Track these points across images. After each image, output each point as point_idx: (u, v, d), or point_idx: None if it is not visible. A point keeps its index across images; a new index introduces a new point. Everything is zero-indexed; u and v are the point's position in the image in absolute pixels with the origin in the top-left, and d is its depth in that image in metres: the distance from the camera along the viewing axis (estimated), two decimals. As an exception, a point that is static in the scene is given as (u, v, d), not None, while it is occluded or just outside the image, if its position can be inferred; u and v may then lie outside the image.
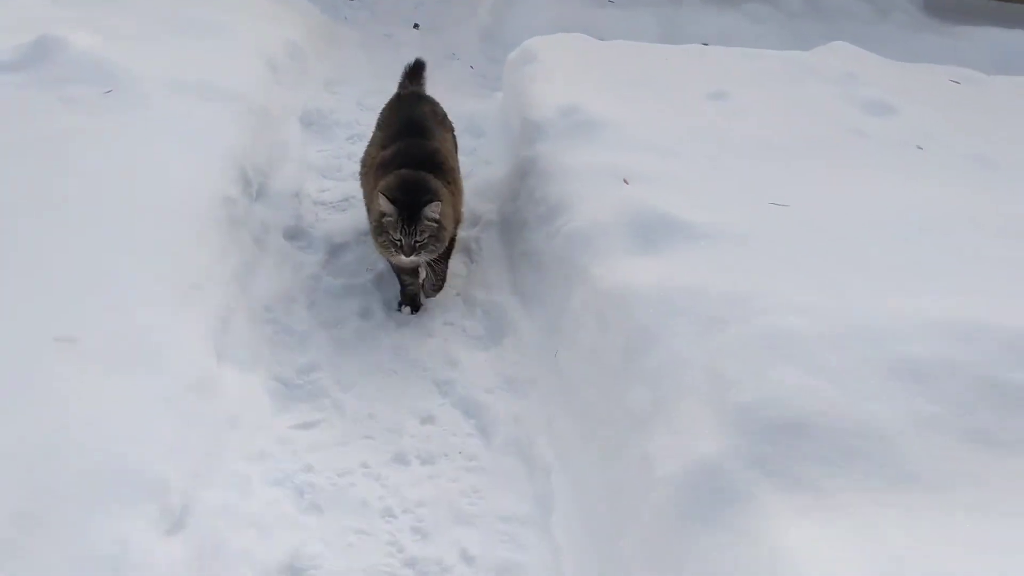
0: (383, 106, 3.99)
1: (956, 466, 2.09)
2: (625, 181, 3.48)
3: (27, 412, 2.08)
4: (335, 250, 3.90)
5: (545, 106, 4.26)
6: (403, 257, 3.17)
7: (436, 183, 3.27)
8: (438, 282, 3.52)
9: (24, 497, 1.91)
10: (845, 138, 4.12)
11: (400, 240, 3.14)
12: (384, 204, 3.15)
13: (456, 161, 3.74)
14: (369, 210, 3.45)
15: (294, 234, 3.93)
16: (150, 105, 3.75)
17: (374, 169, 3.49)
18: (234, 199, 3.49)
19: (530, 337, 3.29)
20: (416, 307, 3.49)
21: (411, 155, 3.38)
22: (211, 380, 2.65)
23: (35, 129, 3.46)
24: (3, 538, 1.81)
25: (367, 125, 5.19)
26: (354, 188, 4.14)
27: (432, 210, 3.14)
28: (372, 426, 2.92)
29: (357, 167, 4.80)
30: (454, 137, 3.91)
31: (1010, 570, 1.80)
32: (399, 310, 3.48)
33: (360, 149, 4.93)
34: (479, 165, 4.74)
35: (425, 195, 3.17)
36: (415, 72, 4.19)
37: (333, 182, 4.52)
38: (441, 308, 3.54)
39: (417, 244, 3.15)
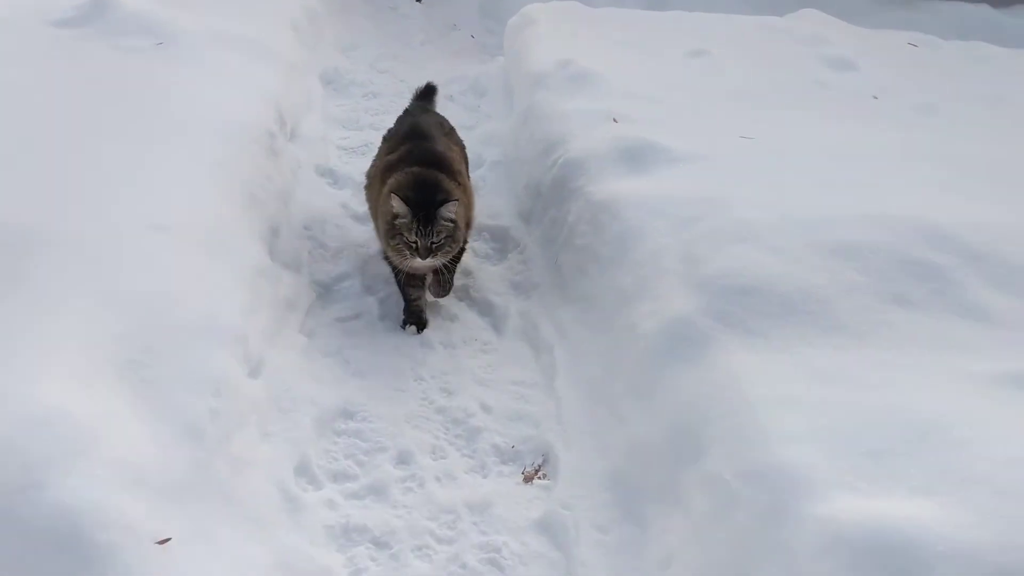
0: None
1: (876, 319, 2.65)
2: (614, 120, 4.02)
3: (142, 276, 2.61)
4: (358, 187, 4.43)
5: (544, 60, 4.79)
6: (419, 260, 3.07)
7: (449, 182, 3.20)
8: (445, 287, 3.42)
9: (147, 336, 2.44)
10: (809, 89, 4.67)
11: (416, 242, 3.03)
12: (397, 204, 3.04)
13: (465, 169, 3.63)
14: (376, 217, 3.33)
15: (323, 172, 4.45)
16: (197, 54, 4.26)
17: (379, 173, 3.39)
18: (274, 134, 4.02)
19: (533, 251, 3.82)
20: (422, 325, 3.35)
21: (418, 156, 3.28)
22: (270, 270, 3.18)
23: (99, 71, 3.97)
24: (136, 361, 2.34)
25: (380, 85, 5.75)
26: (372, 136, 4.64)
27: (448, 209, 3.06)
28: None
29: (373, 119, 5.35)
30: (464, 154, 3.78)
31: (905, 380, 2.36)
32: (403, 328, 3.34)
33: (375, 106, 5.48)
34: (483, 119, 5.27)
35: (440, 193, 3.09)
36: (426, 95, 4.08)
37: (353, 132, 5.04)
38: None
39: (433, 245, 3.05)
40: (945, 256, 2.87)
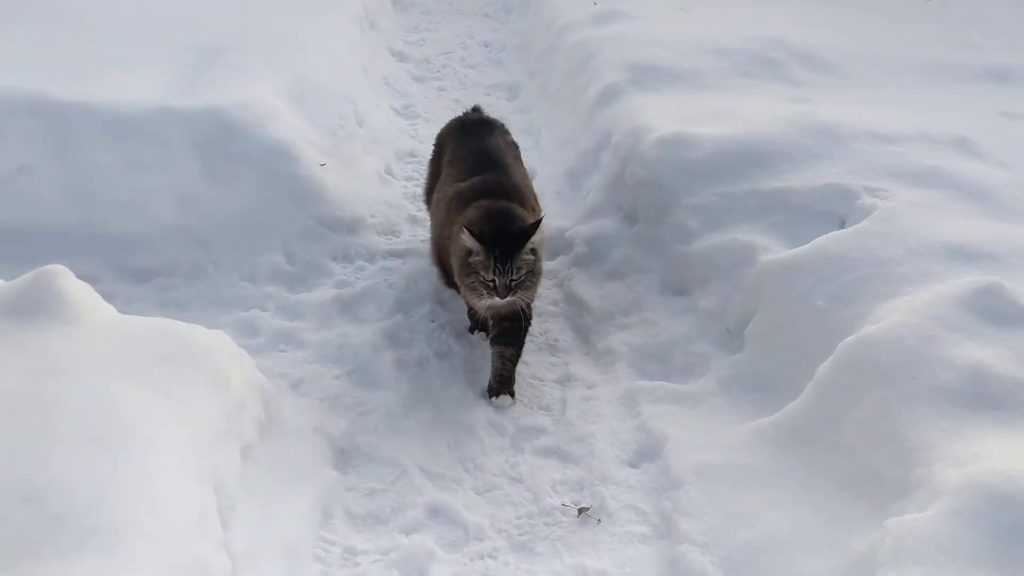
0: (441, 132, 3.68)
1: (729, 82, 4.44)
2: (594, 2, 5.83)
3: (309, 60, 4.54)
4: (416, 59, 6.27)
5: None
6: (497, 300, 2.81)
7: (524, 211, 2.98)
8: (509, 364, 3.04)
9: (304, 86, 4.34)
10: None
11: (493, 280, 2.78)
12: (469, 240, 2.78)
13: (534, 195, 3.36)
14: (452, 253, 3.02)
15: (394, 52, 6.34)
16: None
17: (449, 203, 3.16)
18: (363, 18, 5.93)
19: (530, 90, 5.63)
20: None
21: (492, 187, 3.07)
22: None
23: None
24: (298, 98, 4.24)
25: (433, 6, 7.55)
26: (427, 36, 6.58)
27: (529, 241, 2.80)
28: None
29: (428, 26, 7.23)
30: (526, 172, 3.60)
31: (740, 106, 4.14)
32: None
33: (429, 20, 7.36)
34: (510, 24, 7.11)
35: (516, 223, 2.86)
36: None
37: (413, 33, 6.88)
38: (479, 86, 5.86)
39: (513, 283, 2.79)
40: (781, 54, 4.65)
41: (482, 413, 2.96)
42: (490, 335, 3.05)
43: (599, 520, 2.55)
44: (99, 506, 1.81)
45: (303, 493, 2.54)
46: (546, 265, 3.30)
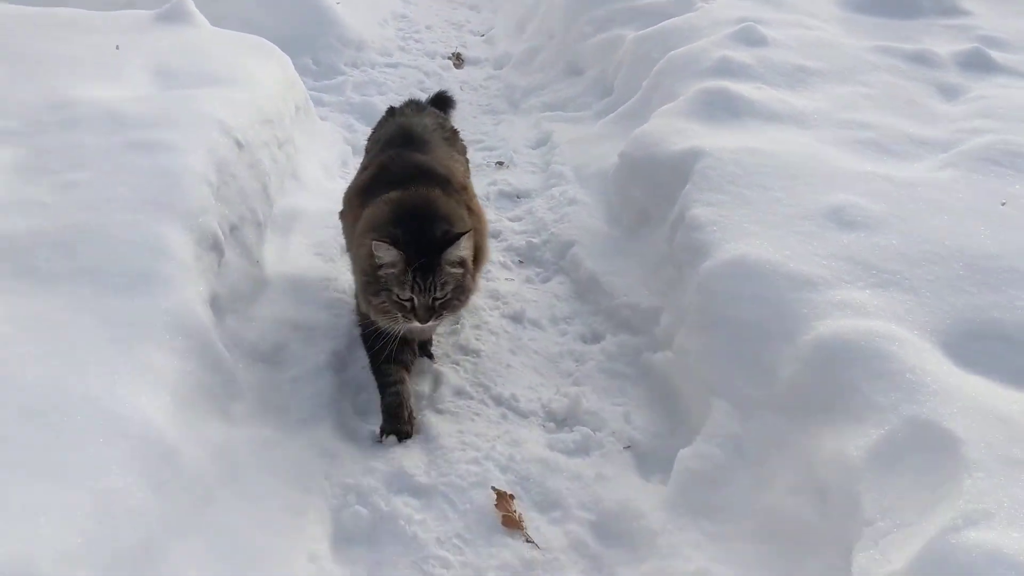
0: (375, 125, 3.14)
1: None
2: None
3: None
4: None
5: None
6: (416, 324, 2.24)
7: (450, 204, 2.36)
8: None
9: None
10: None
11: (411, 300, 2.20)
12: (382, 251, 2.18)
13: (468, 180, 2.84)
14: (353, 260, 2.47)
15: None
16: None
17: (351, 200, 2.62)
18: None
19: (511, 38, 7.28)
20: (406, 430, 2.39)
21: (401, 170, 2.45)
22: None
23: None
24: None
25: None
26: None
27: (457, 250, 2.22)
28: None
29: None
30: (466, 163, 3.03)
31: None
32: (380, 440, 2.38)
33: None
34: None
35: (440, 225, 2.25)
36: (438, 105, 3.33)
37: None
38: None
39: (437, 302, 2.22)
40: None
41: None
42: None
43: (508, 166, 4.22)
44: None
45: (333, 149, 4.21)
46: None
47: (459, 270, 2.25)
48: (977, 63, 4.14)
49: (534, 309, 3.08)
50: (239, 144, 2.95)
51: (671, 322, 2.70)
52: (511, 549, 2.12)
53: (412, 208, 2.28)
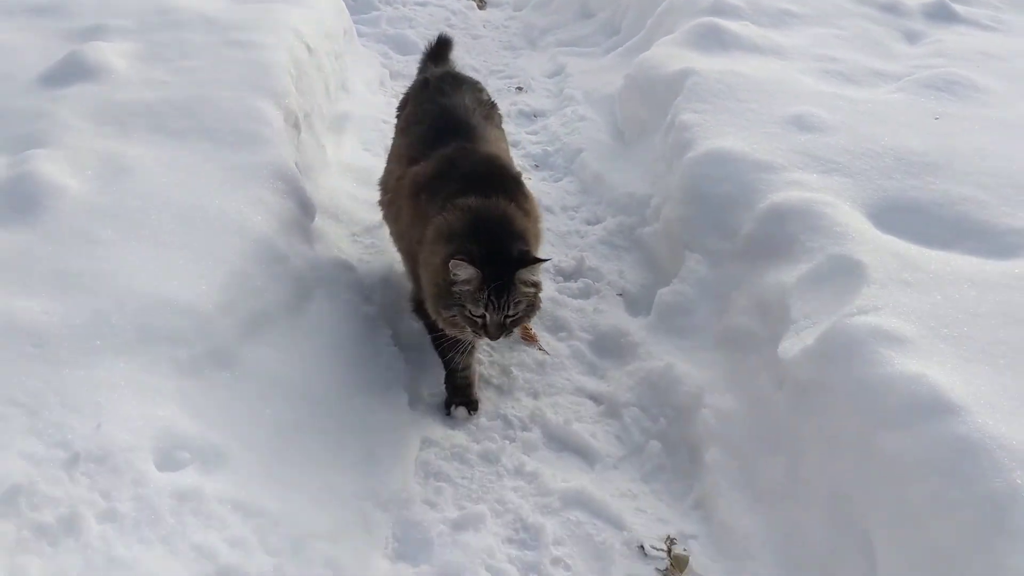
0: (403, 98, 3.05)
1: None
2: None
3: None
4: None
5: None
6: (487, 339, 2.26)
7: (522, 219, 2.34)
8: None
9: None
10: None
11: (483, 317, 2.21)
12: (460, 269, 2.16)
13: (513, 162, 2.77)
14: (424, 266, 2.36)
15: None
16: None
17: (408, 193, 2.52)
18: None
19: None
20: (475, 401, 2.54)
21: (467, 170, 2.41)
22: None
23: None
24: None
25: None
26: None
27: (532, 273, 2.23)
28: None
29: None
30: (504, 135, 2.97)
31: None
32: (449, 413, 2.53)
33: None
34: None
35: (517, 244, 2.23)
36: (439, 51, 3.30)
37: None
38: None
39: (508, 320, 2.24)
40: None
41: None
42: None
43: (526, 91, 4.83)
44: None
45: (371, 70, 4.81)
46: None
47: (532, 290, 2.26)
48: (941, 14, 4.73)
49: (546, 199, 3.70)
50: (309, 49, 3.56)
51: (659, 202, 3.33)
52: (528, 353, 2.78)
53: (488, 221, 2.26)
